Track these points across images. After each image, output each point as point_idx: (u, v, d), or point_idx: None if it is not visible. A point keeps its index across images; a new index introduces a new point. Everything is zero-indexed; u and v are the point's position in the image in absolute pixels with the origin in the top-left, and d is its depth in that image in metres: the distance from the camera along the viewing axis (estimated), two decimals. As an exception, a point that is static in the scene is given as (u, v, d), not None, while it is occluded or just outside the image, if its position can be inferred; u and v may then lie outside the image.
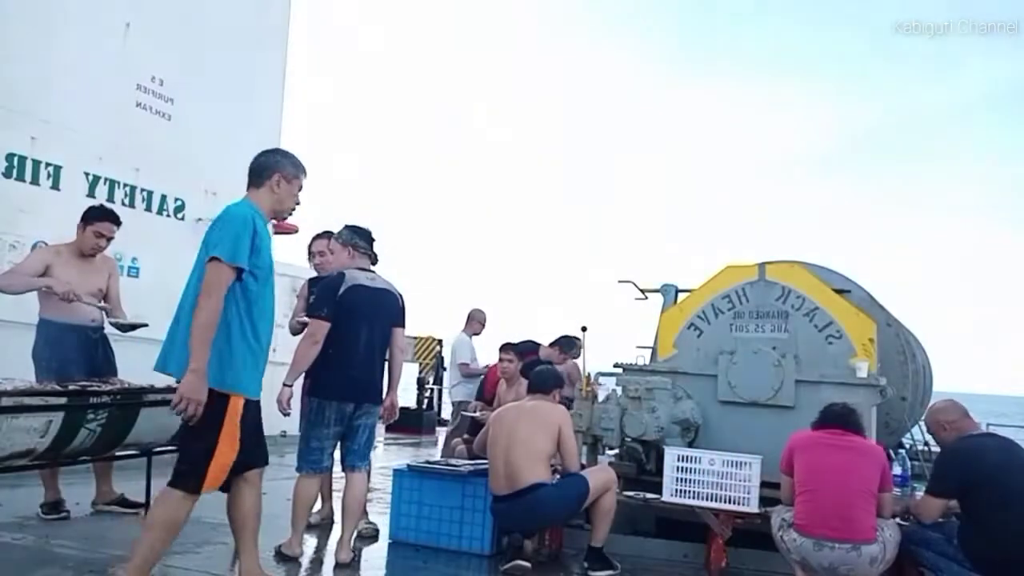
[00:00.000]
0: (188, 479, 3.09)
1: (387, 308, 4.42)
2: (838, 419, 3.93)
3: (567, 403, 4.88)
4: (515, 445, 4.24)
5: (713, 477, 4.36)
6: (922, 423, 7.41)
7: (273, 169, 3.38)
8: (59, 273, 4.67)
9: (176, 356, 3.11)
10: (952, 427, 4.00)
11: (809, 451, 3.86)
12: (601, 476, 4.35)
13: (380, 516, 5.04)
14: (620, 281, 6.39)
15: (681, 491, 4.43)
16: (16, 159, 6.04)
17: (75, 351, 4.64)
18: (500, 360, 6.27)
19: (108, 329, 5.00)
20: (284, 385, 4.26)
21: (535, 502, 4.16)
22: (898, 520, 4.03)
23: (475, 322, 7.75)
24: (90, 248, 4.82)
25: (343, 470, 4.35)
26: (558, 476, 4.36)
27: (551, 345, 6.98)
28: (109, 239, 4.88)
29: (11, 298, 5.84)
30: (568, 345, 6.95)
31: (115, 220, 4.88)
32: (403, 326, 4.52)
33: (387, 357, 4.50)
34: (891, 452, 6.00)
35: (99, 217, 4.82)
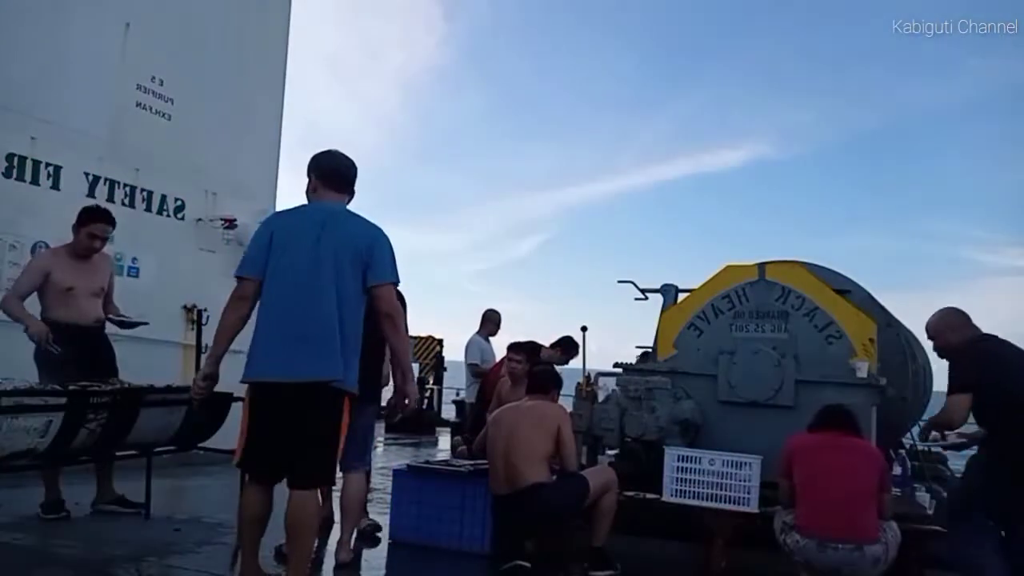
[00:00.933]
0: (329, 474, 3.40)
1: None
2: (835, 420, 3.93)
3: None
4: (515, 445, 4.24)
5: (713, 477, 4.36)
6: (922, 423, 7.41)
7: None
8: (59, 277, 4.68)
9: (326, 362, 3.18)
10: (960, 330, 3.96)
11: (808, 454, 3.86)
12: (601, 476, 4.35)
13: (380, 516, 5.04)
14: (620, 281, 6.39)
15: (681, 491, 4.43)
16: (16, 159, 6.04)
17: (78, 351, 4.63)
18: (509, 360, 6.22)
19: (108, 328, 5.00)
20: None
21: (535, 502, 4.16)
22: (940, 441, 4.06)
23: (489, 323, 7.77)
24: (84, 250, 4.81)
25: (341, 470, 4.35)
26: (555, 476, 4.36)
27: (552, 346, 6.99)
28: (104, 240, 4.87)
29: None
30: (570, 346, 6.95)
31: (108, 220, 4.86)
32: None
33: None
34: (891, 452, 6.00)
35: (92, 219, 4.80)
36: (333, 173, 3.44)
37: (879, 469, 3.81)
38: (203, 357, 4.23)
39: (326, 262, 3.20)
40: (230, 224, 7.60)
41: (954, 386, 3.78)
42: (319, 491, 3.48)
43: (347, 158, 3.48)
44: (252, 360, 3.22)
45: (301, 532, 3.22)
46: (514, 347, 6.25)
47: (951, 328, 4.00)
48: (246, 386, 3.26)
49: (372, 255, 3.26)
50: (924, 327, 4.20)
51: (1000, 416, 3.69)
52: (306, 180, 3.49)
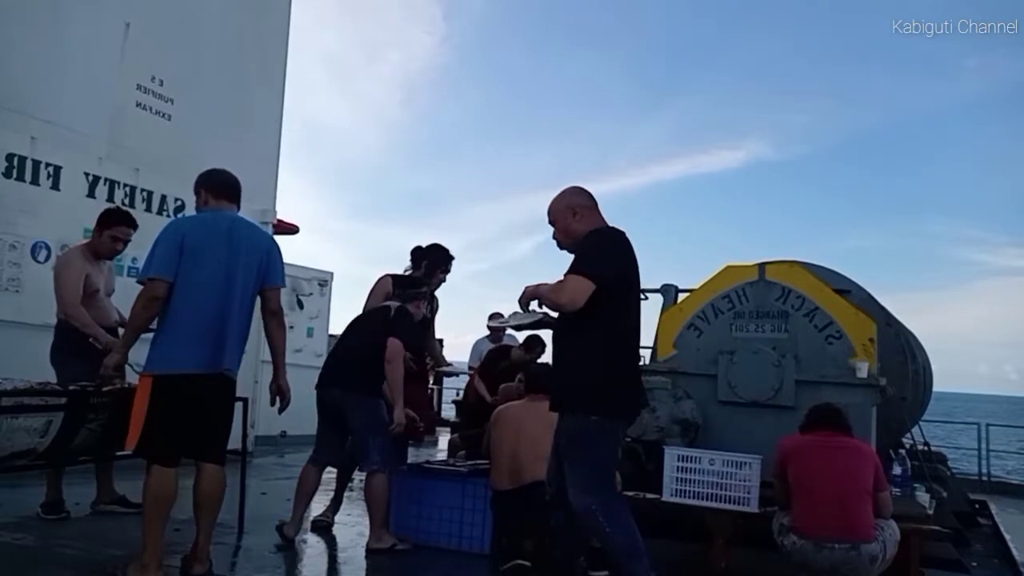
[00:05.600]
0: (226, 451, 3.75)
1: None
2: (826, 420, 3.92)
3: None
4: (523, 441, 4.26)
5: (713, 477, 4.37)
6: (921, 424, 7.42)
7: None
8: (92, 279, 4.69)
9: (236, 357, 3.67)
10: (586, 214, 3.39)
11: (802, 454, 3.86)
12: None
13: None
14: (620, 281, 6.39)
15: (681, 491, 4.43)
16: (16, 159, 6.03)
17: (99, 353, 4.61)
18: (518, 380, 6.10)
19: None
20: None
21: (538, 500, 4.16)
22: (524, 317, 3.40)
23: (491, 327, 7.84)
24: (107, 252, 4.87)
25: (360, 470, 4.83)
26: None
27: (520, 347, 7.03)
28: (126, 242, 4.92)
29: (11, 298, 5.87)
30: (535, 344, 6.95)
31: (132, 223, 4.92)
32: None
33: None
34: (891, 452, 6.00)
35: (117, 221, 4.84)
36: (224, 185, 3.79)
37: (873, 467, 3.81)
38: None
39: (238, 266, 3.60)
40: (230, 224, 7.59)
41: (584, 268, 3.16)
42: None
43: (233, 174, 3.86)
44: (174, 353, 3.48)
45: (220, 499, 3.70)
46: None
47: (578, 207, 3.40)
48: (142, 377, 3.55)
49: (269, 261, 3.73)
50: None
51: (609, 317, 3.23)
52: (195, 197, 3.84)
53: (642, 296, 6.32)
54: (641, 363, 5.61)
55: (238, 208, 3.83)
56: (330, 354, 4.93)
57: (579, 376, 3.24)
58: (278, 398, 3.93)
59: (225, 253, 3.58)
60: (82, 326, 4.54)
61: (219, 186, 3.78)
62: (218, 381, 3.60)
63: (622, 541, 3.09)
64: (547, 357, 6.78)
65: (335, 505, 5.10)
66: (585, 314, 3.14)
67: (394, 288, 4.99)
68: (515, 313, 3.43)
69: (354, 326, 4.85)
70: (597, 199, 3.50)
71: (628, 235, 3.39)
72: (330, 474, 5.96)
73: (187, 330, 3.49)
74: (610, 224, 3.42)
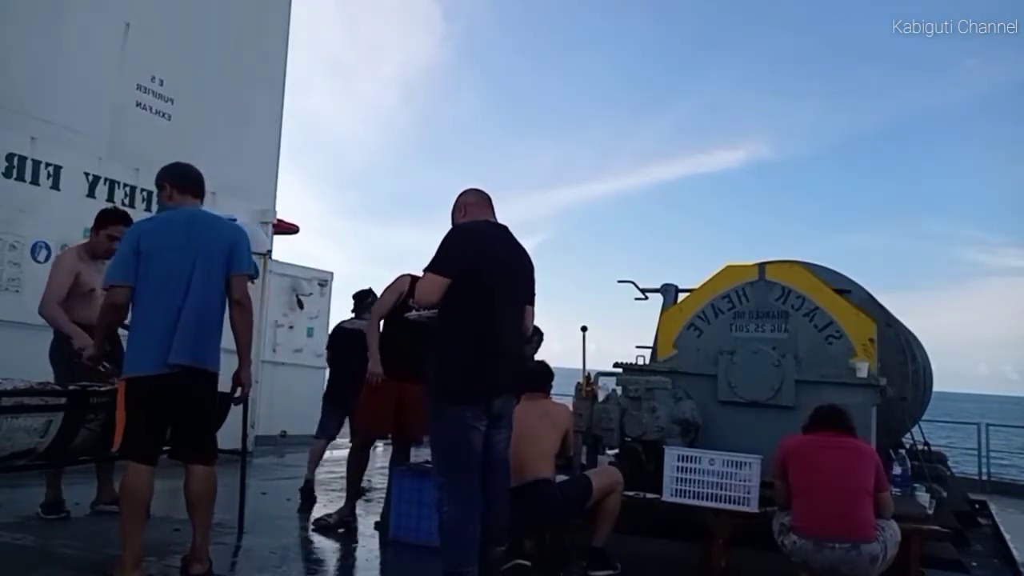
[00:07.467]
0: (216, 447, 3.68)
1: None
2: (828, 420, 3.92)
3: None
4: (523, 439, 4.25)
5: (713, 477, 4.36)
6: (921, 424, 7.42)
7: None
8: (85, 278, 4.68)
9: (210, 351, 3.58)
10: (471, 210, 3.64)
11: (803, 454, 3.85)
12: (606, 478, 4.35)
13: (378, 516, 5.04)
14: (620, 281, 6.40)
15: (681, 491, 4.43)
16: (16, 159, 6.03)
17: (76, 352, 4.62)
18: None
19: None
20: None
21: (538, 499, 4.17)
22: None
23: None
24: (104, 251, 4.82)
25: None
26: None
27: None
28: None
29: (11, 298, 5.87)
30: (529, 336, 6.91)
31: (127, 222, 4.88)
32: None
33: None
34: (891, 452, 6.00)
35: (113, 221, 4.82)
36: (185, 178, 3.74)
37: (874, 467, 3.81)
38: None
39: (197, 261, 3.51)
40: (230, 224, 7.59)
41: (432, 265, 3.41)
42: None
43: (195, 167, 3.80)
44: (140, 356, 3.45)
45: (212, 499, 3.60)
46: None
47: (465, 205, 3.67)
48: (119, 380, 3.53)
49: (233, 250, 3.62)
50: None
51: (460, 305, 3.39)
52: (158, 191, 3.80)
53: (643, 296, 6.35)
54: (642, 361, 5.64)
55: (201, 202, 3.77)
56: None
57: (432, 363, 3.43)
58: (238, 388, 3.77)
59: (182, 250, 3.50)
60: (56, 326, 4.53)
61: (182, 180, 3.72)
62: (191, 379, 3.47)
63: (450, 521, 3.37)
64: (543, 353, 6.79)
65: (348, 508, 5.08)
66: (445, 306, 3.38)
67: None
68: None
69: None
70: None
71: (508, 230, 3.58)
72: (332, 474, 5.98)
73: (149, 332, 3.45)
74: (491, 220, 3.61)
